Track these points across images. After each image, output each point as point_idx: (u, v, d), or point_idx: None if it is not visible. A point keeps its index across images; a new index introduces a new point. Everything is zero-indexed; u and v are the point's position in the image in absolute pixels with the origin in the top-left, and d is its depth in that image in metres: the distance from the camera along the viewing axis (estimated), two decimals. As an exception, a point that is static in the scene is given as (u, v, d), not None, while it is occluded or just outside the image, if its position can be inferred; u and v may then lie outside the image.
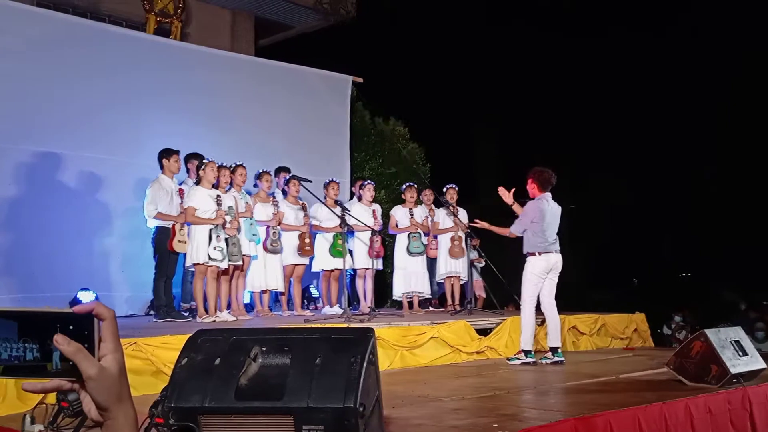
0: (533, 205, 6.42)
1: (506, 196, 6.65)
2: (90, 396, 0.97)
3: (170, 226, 6.93)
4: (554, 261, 6.40)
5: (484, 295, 9.51)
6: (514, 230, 6.46)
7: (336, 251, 7.87)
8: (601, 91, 17.70)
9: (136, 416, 1.01)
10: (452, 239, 8.66)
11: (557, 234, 6.50)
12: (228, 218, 6.93)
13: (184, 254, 7.22)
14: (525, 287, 6.41)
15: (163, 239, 6.94)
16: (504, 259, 8.98)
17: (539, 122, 18.22)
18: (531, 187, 6.51)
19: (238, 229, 7.09)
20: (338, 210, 7.53)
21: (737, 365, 4.81)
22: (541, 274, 6.37)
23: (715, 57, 17.04)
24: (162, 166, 7.06)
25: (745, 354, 4.99)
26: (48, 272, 7.40)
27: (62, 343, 0.94)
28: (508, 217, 6.74)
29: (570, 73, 18.11)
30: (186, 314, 7.33)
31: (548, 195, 6.47)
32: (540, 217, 6.35)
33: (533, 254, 6.37)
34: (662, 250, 18.67)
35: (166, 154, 7.07)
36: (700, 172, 17.92)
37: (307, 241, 7.90)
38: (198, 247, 6.76)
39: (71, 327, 0.96)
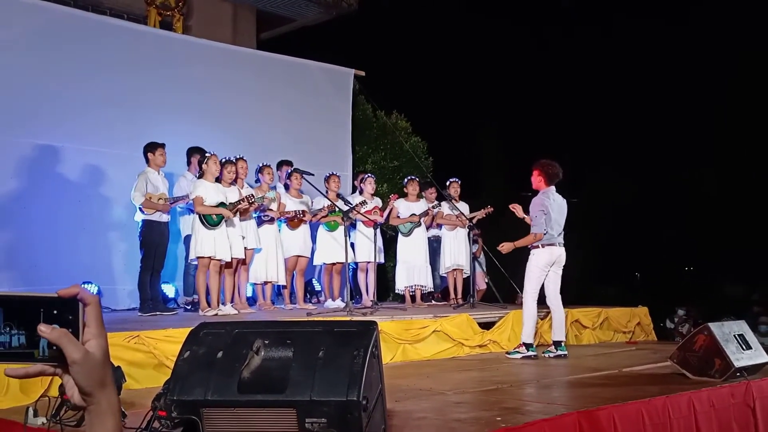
0: (539, 201, 6.35)
1: (518, 210, 6.59)
2: (73, 380, 0.97)
3: (159, 219, 6.95)
4: (558, 254, 6.36)
5: (484, 287, 9.46)
6: (538, 230, 6.26)
7: (330, 225, 7.95)
8: (606, 87, 17.66)
9: (118, 402, 1.02)
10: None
11: (563, 228, 6.46)
12: (271, 195, 7.35)
13: (186, 247, 7.24)
14: (528, 280, 6.38)
15: (149, 233, 6.96)
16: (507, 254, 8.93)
17: (543, 116, 18.17)
18: (537, 180, 6.43)
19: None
20: (340, 203, 7.52)
21: (741, 359, 4.79)
22: (545, 266, 6.33)
23: (713, 58, 17.01)
24: (147, 160, 7.07)
25: (749, 348, 4.97)
26: (50, 266, 7.38)
27: (46, 331, 0.95)
28: (510, 211, 6.70)
29: (574, 69, 18.07)
30: (174, 307, 7.44)
31: (553, 189, 6.42)
32: (546, 211, 6.31)
33: (537, 247, 6.33)
34: (665, 244, 18.64)
35: (151, 147, 7.09)
36: (702, 167, 17.90)
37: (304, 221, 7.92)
38: (201, 241, 6.75)
39: (55, 311, 0.96)
